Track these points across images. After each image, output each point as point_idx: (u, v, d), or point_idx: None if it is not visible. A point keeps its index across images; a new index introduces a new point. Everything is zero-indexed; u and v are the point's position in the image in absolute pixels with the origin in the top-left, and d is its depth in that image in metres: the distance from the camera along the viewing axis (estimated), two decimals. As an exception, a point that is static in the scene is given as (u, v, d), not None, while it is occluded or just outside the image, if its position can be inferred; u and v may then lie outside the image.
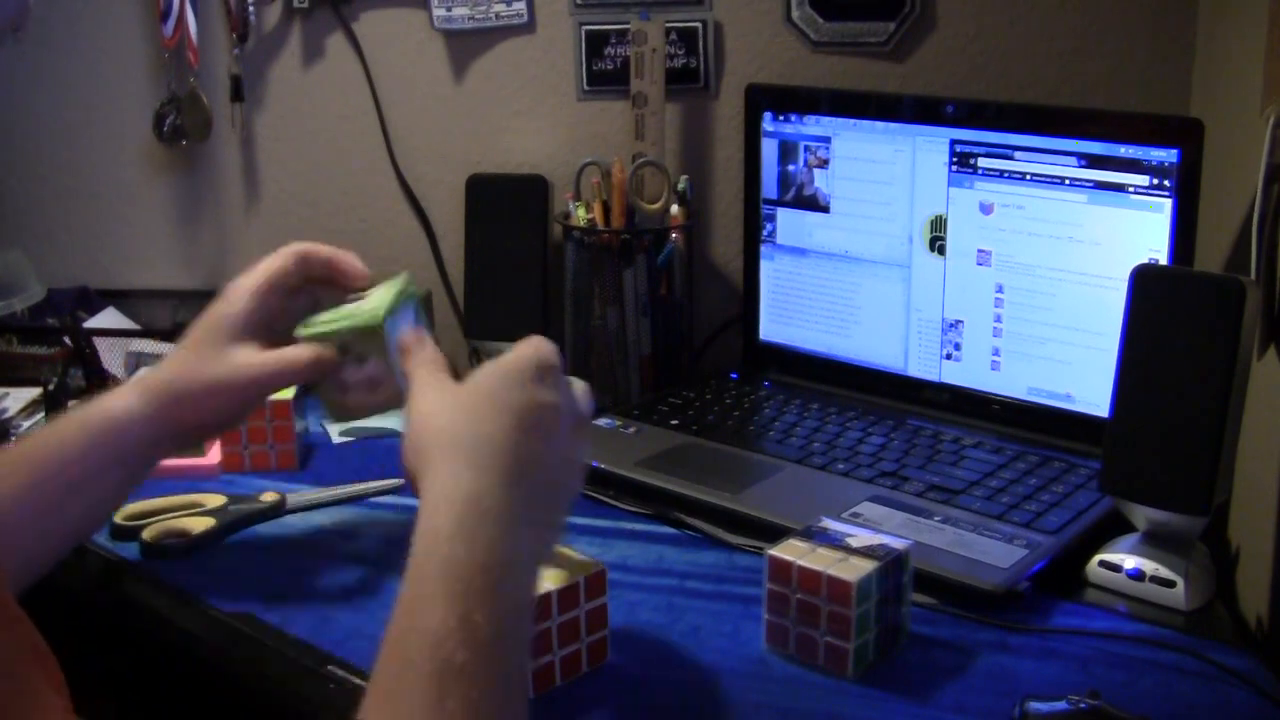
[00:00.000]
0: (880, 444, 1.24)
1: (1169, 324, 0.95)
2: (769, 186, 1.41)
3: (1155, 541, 1.01)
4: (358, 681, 0.87)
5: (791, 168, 1.39)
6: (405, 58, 1.60)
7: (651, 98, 1.48)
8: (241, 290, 0.94)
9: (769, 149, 1.41)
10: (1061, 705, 0.80)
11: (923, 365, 1.33)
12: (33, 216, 1.71)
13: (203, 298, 1.71)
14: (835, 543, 0.91)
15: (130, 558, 1.08)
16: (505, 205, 1.55)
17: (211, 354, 0.92)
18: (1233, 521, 1.12)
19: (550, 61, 1.57)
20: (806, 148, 1.38)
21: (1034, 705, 0.80)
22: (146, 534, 1.08)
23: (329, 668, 0.90)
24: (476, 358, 1.55)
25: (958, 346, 1.30)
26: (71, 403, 1.30)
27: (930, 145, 1.29)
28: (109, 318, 1.62)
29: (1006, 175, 1.24)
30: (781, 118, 1.39)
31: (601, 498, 1.18)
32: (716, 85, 1.55)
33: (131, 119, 1.65)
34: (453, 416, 0.72)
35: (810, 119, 1.37)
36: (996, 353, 1.28)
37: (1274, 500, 1.00)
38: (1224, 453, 0.94)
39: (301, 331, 0.95)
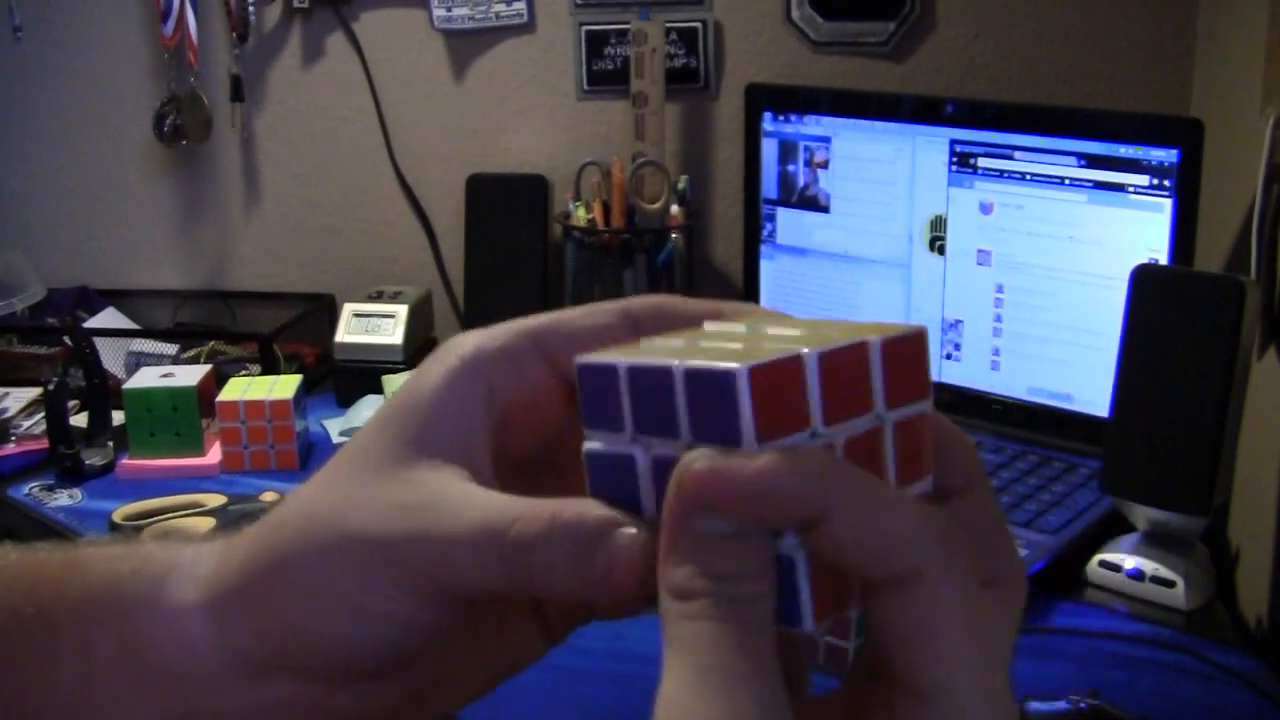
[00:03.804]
0: (880, 444, 1.24)
1: (1169, 324, 0.95)
2: (769, 186, 1.41)
3: (1155, 541, 1.01)
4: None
5: (791, 168, 1.39)
6: (405, 58, 1.60)
7: (651, 98, 1.48)
8: (448, 357, 0.36)
9: (769, 149, 1.40)
10: (1061, 705, 0.80)
11: (923, 365, 1.33)
12: (33, 216, 1.71)
13: (203, 298, 1.74)
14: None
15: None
16: (505, 205, 1.55)
17: (365, 481, 0.34)
18: (1233, 521, 1.12)
19: (550, 61, 1.57)
20: (806, 148, 1.38)
21: (1034, 705, 0.80)
22: (146, 534, 1.08)
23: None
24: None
25: (958, 346, 1.30)
26: (71, 403, 1.30)
27: (930, 145, 1.29)
28: (109, 318, 1.62)
29: (1006, 175, 1.24)
30: (781, 118, 1.39)
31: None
32: (716, 85, 1.55)
33: (131, 119, 1.65)
34: None
35: (810, 119, 1.37)
36: (996, 353, 1.28)
37: (1274, 500, 1.00)
38: (1224, 453, 0.94)
39: None
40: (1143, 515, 1.01)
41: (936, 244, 1.30)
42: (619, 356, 0.31)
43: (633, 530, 0.30)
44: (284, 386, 1.27)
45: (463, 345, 0.35)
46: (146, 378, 1.29)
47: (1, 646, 0.35)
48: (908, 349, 0.32)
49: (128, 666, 0.35)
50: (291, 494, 0.36)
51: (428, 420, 0.34)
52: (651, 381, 0.30)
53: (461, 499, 0.33)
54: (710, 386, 0.29)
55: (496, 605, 0.37)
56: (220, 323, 1.68)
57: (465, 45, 1.59)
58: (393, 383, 1.35)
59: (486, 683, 0.38)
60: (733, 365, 0.28)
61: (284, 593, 0.34)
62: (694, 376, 0.29)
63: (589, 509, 0.31)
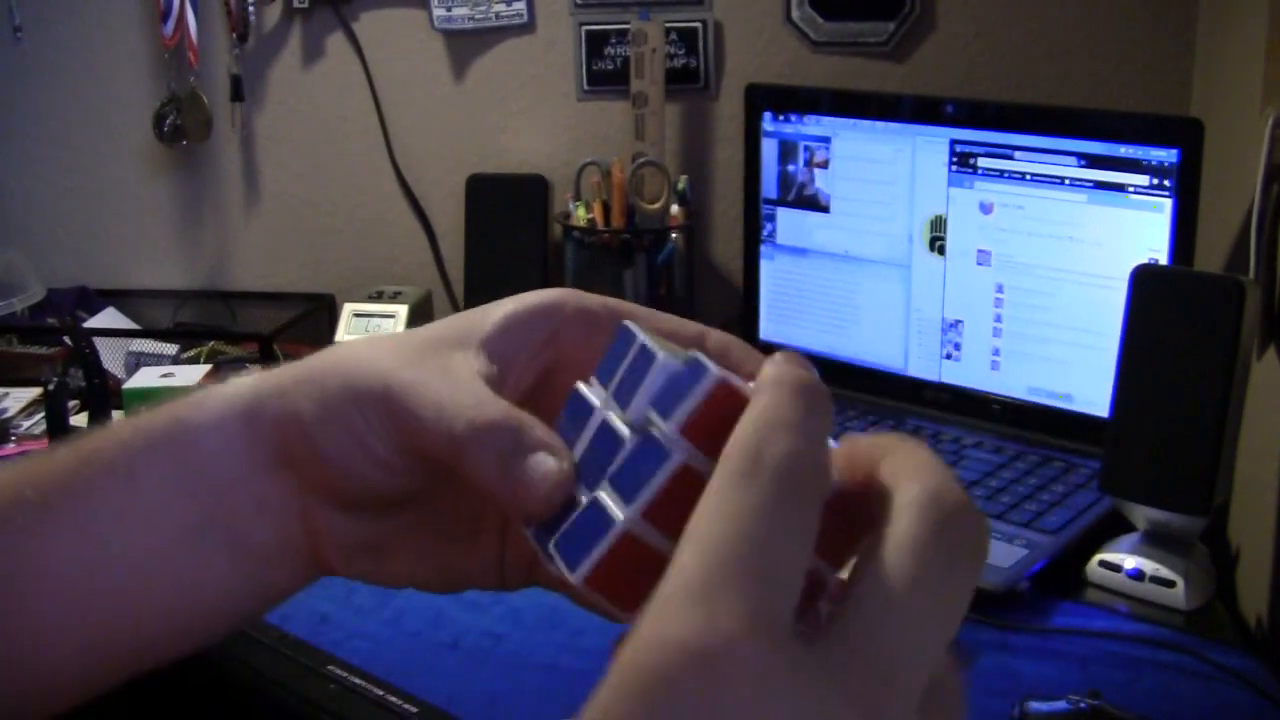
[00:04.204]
0: (880, 444, 1.24)
1: (1169, 324, 0.95)
2: (769, 186, 1.41)
3: (1155, 541, 1.01)
4: (357, 681, 0.88)
5: (791, 168, 1.39)
6: (405, 58, 1.60)
7: (651, 98, 1.48)
8: (537, 293, 0.44)
9: (769, 149, 1.40)
10: (1061, 705, 0.80)
11: (923, 365, 1.33)
12: (33, 216, 1.71)
13: (203, 298, 1.74)
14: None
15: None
16: (505, 205, 1.55)
17: (396, 346, 0.42)
18: (1233, 521, 1.12)
19: (550, 61, 1.57)
20: (806, 148, 1.38)
21: (1034, 705, 0.80)
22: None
23: (329, 668, 0.89)
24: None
25: (958, 346, 1.30)
26: (71, 403, 1.30)
27: (930, 145, 1.29)
28: (109, 318, 1.62)
29: (1006, 175, 1.24)
30: (781, 118, 1.39)
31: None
32: (716, 85, 1.55)
33: (131, 119, 1.65)
34: None
35: (810, 119, 1.37)
36: (996, 353, 1.28)
37: (1274, 500, 1.00)
38: (1224, 453, 0.94)
39: None
40: (1143, 515, 1.01)
41: (936, 244, 1.30)
42: (650, 338, 0.34)
43: (554, 461, 0.35)
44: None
45: (557, 290, 0.42)
46: (146, 378, 1.29)
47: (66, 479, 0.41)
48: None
49: (170, 463, 0.41)
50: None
51: (481, 335, 0.40)
52: (643, 360, 0.33)
53: (456, 378, 0.39)
54: (674, 379, 0.32)
55: (469, 509, 0.42)
56: (220, 323, 1.68)
57: (465, 45, 1.59)
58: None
59: (437, 577, 0.43)
60: (696, 359, 0.32)
61: (306, 405, 0.40)
62: (672, 373, 0.32)
63: (533, 429, 0.37)
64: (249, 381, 0.43)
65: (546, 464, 0.35)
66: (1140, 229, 1.16)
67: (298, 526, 0.42)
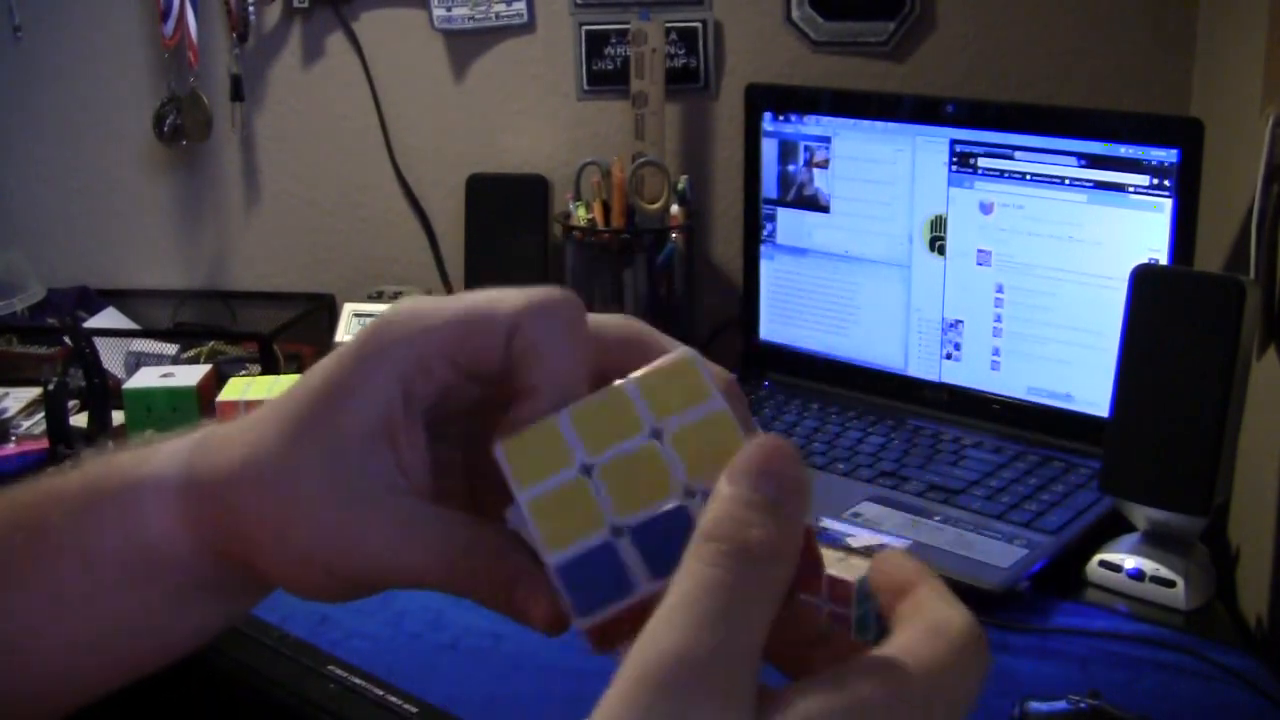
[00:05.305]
0: (880, 444, 1.24)
1: (1169, 324, 0.95)
2: (769, 186, 1.41)
3: (1155, 541, 1.01)
4: (357, 681, 0.88)
5: (791, 168, 1.39)
6: (405, 58, 1.60)
7: (651, 98, 1.48)
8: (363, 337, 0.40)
9: (769, 149, 1.40)
10: (1061, 705, 0.80)
11: (923, 365, 1.33)
12: (33, 216, 1.71)
13: (203, 298, 1.74)
14: (835, 542, 0.91)
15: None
16: (505, 205, 1.55)
17: (309, 453, 0.38)
18: (1233, 521, 1.12)
19: (550, 61, 1.57)
20: (806, 148, 1.38)
21: (1034, 705, 0.80)
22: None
23: (329, 668, 0.90)
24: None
25: (958, 346, 1.30)
26: (71, 403, 1.30)
27: (930, 145, 1.29)
28: (109, 318, 1.62)
29: (1006, 175, 1.24)
30: (781, 118, 1.39)
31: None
32: (716, 85, 1.55)
33: (131, 119, 1.65)
34: None
35: (810, 119, 1.37)
36: (996, 353, 1.28)
37: (1274, 500, 1.00)
38: (1224, 453, 0.94)
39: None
40: (1143, 515, 1.01)
41: (936, 244, 1.30)
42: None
43: (543, 605, 0.36)
44: (284, 386, 1.27)
45: (378, 340, 0.39)
46: (146, 378, 1.29)
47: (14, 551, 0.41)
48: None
49: (123, 551, 0.40)
50: (238, 432, 0.40)
51: (364, 414, 0.38)
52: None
53: (405, 512, 0.38)
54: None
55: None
56: (220, 323, 1.68)
57: (465, 45, 1.59)
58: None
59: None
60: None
61: (240, 520, 0.39)
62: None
63: (508, 556, 0.37)
64: (183, 453, 0.41)
65: (539, 607, 0.37)
66: (1140, 229, 1.16)
67: (243, 570, 0.41)
